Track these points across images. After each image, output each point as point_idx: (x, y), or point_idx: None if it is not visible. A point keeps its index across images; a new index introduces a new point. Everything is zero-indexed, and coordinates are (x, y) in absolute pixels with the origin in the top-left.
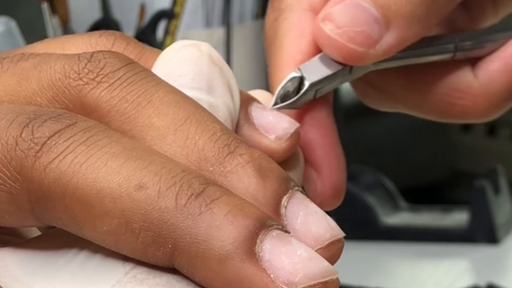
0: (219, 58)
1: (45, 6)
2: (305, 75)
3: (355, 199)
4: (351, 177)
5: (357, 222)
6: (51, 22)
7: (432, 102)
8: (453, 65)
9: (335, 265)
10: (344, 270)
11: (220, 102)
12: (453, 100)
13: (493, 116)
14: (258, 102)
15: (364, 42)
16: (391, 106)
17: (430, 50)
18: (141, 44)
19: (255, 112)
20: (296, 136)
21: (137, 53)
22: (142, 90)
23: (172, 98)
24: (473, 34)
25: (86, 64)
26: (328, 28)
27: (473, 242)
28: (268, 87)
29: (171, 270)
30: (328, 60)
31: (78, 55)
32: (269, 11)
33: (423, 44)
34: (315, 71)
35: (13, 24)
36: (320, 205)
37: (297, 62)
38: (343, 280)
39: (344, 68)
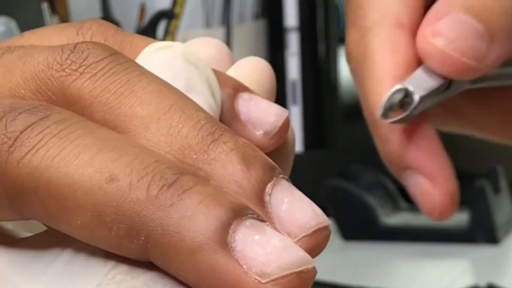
0: (194, 55)
1: (45, 6)
2: (411, 88)
3: (355, 199)
4: (351, 177)
5: (357, 222)
6: (51, 22)
7: (503, 124)
8: None
9: (334, 265)
10: (344, 270)
11: (200, 100)
12: None
13: None
14: (246, 91)
15: (474, 56)
16: (459, 126)
17: None
18: (118, 37)
19: (242, 107)
20: (285, 128)
21: (120, 42)
22: (125, 80)
23: (155, 87)
24: None
25: (69, 55)
26: (441, 43)
27: (473, 242)
28: None
29: (151, 266)
30: (428, 74)
31: (62, 46)
32: (352, 30)
33: None
34: (420, 84)
35: (13, 24)
36: (440, 216)
37: (394, 76)
38: (343, 280)
39: (445, 82)
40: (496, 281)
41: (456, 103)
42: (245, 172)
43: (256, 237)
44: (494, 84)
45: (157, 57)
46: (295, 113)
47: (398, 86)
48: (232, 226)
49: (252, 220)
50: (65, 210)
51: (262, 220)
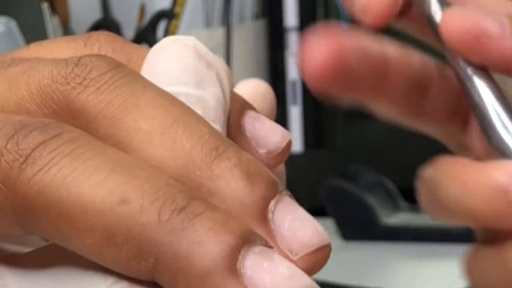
0: (205, 50)
1: (45, 6)
2: None
3: (355, 199)
4: (351, 177)
5: (357, 222)
6: (51, 22)
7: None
8: None
9: (334, 265)
10: (344, 270)
11: (208, 95)
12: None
13: None
14: (252, 109)
15: (480, 28)
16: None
17: None
18: (127, 49)
19: (248, 124)
20: (287, 150)
21: (123, 61)
22: (129, 94)
23: (159, 101)
24: None
25: (73, 69)
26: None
27: (473, 242)
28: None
29: (152, 283)
30: None
31: (66, 59)
32: None
33: None
34: None
35: (13, 24)
36: (370, 16)
37: None
38: (343, 280)
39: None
40: None
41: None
42: (248, 189)
43: (265, 264)
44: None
45: (169, 50)
46: (295, 113)
47: None
48: (242, 253)
49: (261, 247)
50: (74, 229)
51: (269, 247)
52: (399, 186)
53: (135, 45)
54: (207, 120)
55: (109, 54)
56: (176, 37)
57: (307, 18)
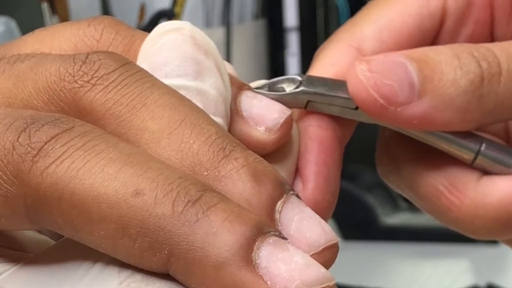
0: (202, 38)
1: (45, 6)
2: (305, 81)
3: (355, 199)
4: (351, 177)
5: (357, 222)
6: (51, 22)
7: (423, 186)
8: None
9: (334, 265)
10: (344, 270)
11: (208, 86)
12: (443, 191)
13: (475, 234)
14: (249, 89)
15: (387, 96)
16: (396, 178)
17: (449, 139)
18: (130, 32)
19: (244, 104)
20: (287, 125)
21: (126, 44)
22: (137, 93)
23: (167, 100)
24: (506, 149)
25: (80, 66)
26: (359, 68)
27: (473, 242)
28: None
29: (166, 276)
30: (343, 89)
31: (73, 56)
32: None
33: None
34: (320, 85)
35: (13, 24)
36: None
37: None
38: (343, 280)
39: (349, 100)
40: (496, 281)
41: (396, 149)
42: (256, 190)
43: (280, 255)
44: (409, 134)
45: (165, 39)
46: None
47: (294, 75)
48: (257, 243)
49: (275, 238)
50: (88, 220)
51: (283, 238)
52: None
53: (139, 30)
54: (207, 113)
55: (112, 36)
56: (172, 26)
57: (307, 18)
